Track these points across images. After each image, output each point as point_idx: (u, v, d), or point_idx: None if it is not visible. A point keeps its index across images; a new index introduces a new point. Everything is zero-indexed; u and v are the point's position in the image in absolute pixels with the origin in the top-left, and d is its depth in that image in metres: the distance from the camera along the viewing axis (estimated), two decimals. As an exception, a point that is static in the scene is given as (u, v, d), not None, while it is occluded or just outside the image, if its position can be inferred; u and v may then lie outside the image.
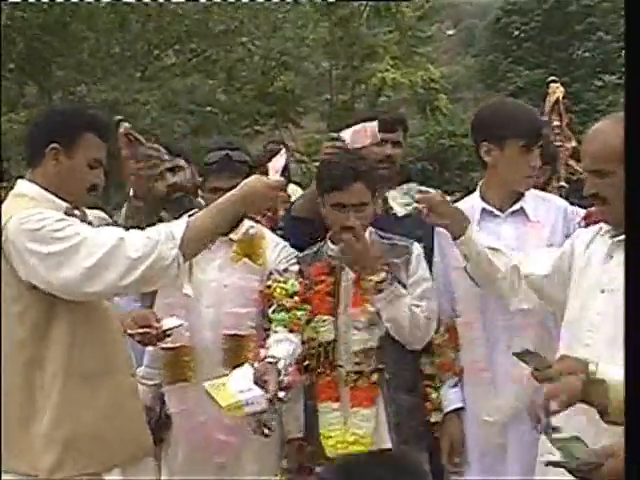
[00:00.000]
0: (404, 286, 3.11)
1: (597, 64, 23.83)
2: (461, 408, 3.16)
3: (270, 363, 2.80)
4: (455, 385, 3.16)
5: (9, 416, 2.59)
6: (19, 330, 2.58)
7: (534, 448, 2.81)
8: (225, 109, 15.90)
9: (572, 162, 4.91)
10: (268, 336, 3.07)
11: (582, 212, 3.16)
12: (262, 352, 2.90)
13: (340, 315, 3.14)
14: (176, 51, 16.36)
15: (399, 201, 2.99)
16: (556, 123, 4.93)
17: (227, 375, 2.87)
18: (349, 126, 3.29)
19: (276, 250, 3.26)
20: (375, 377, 3.08)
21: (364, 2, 19.32)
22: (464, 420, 3.17)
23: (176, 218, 2.76)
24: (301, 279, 3.17)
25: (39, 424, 2.57)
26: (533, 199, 3.17)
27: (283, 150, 3.09)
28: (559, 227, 3.12)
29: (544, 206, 3.17)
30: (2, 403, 2.59)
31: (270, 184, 2.75)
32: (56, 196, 2.68)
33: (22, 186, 2.72)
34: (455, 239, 2.96)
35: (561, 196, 3.78)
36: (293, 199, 3.95)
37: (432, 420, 3.16)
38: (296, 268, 3.21)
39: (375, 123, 3.25)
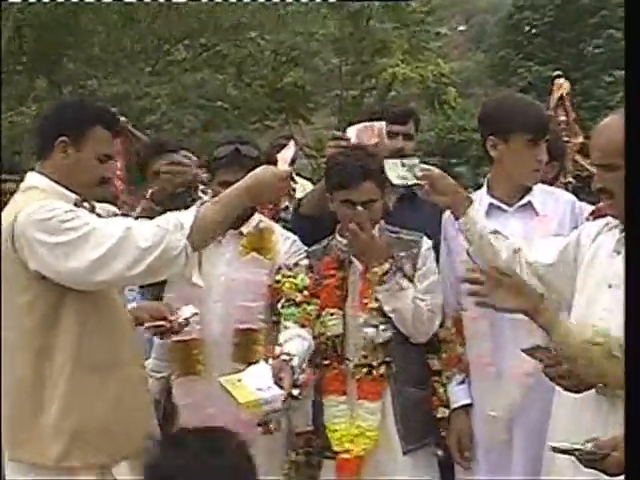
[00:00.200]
0: (410, 279, 3.11)
1: (608, 60, 23.71)
2: (469, 404, 3.16)
3: (285, 361, 2.80)
4: (463, 382, 3.15)
5: (17, 405, 2.61)
6: (28, 320, 2.60)
7: (540, 443, 2.81)
8: (235, 104, 15.92)
9: (579, 158, 4.89)
10: (278, 330, 3.08)
11: (589, 208, 3.15)
12: (277, 349, 2.89)
13: (348, 309, 3.15)
14: (186, 46, 16.39)
15: (398, 172, 2.99)
16: (562, 118, 4.91)
17: (237, 369, 2.88)
18: (357, 122, 3.28)
19: (286, 244, 3.27)
20: (382, 370, 3.08)
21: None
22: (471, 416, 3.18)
23: None
24: (310, 274, 3.18)
25: (47, 414, 2.59)
26: (541, 193, 3.16)
27: (292, 142, 3.09)
28: (567, 221, 3.11)
29: (552, 200, 3.16)
30: (11, 393, 2.61)
31: (279, 174, 2.74)
32: (66, 189, 2.69)
33: (32, 179, 2.73)
34: (457, 219, 2.96)
35: (568, 192, 3.77)
36: (302, 195, 3.94)
37: (438, 416, 3.16)
38: (305, 262, 3.22)
39: (383, 123, 3.23)
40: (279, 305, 3.14)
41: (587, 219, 3.08)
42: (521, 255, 2.86)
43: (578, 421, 2.54)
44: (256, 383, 2.74)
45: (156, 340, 3.32)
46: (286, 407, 2.77)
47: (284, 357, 2.82)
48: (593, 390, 2.48)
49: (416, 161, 3.03)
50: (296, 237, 3.31)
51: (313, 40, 17.05)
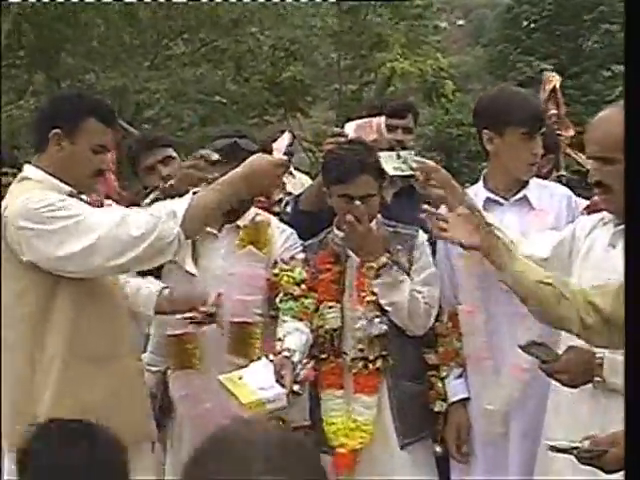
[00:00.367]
0: (407, 272, 3.11)
1: (606, 55, 23.68)
2: (467, 398, 3.16)
3: (286, 357, 2.80)
4: (460, 375, 3.16)
5: (13, 395, 2.62)
6: (21, 309, 2.61)
7: (536, 437, 2.81)
8: (234, 99, 15.89)
9: (570, 151, 4.88)
10: (276, 324, 3.08)
11: (583, 202, 3.15)
12: (278, 345, 2.89)
13: (346, 302, 3.15)
14: (185, 40, 16.34)
15: (393, 164, 3.00)
16: (554, 112, 4.90)
17: (233, 362, 2.87)
18: (357, 118, 3.27)
19: (282, 237, 3.26)
20: (379, 364, 3.07)
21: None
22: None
23: None
24: (307, 267, 3.18)
25: (41, 402, 2.59)
26: (537, 187, 3.16)
27: (287, 132, 3.09)
28: (563, 215, 3.11)
29: (548, 194, 3.16)
30: (8, 383, 2.62)
31: (274, 162, 2.75)
32: (60, 181, 2.69)
33: (27, 171, 2.74)
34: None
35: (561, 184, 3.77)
36: (302, 190, 3.93)
37: (436, 409, 3.16)
38: (302, 256, 3.22)
39: (382, 118, 3.23)
40: (277, 299, 3.14)
41: (582, 213, 3.07)
42: (516, 248, 2.86)
43: (575, 415, 2.54)
44: (258, 381, 2.72)
45: (152, 333, 3.32)
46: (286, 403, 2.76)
47: (285, 353, 2.82)
48: (590, 385, 2.48)
49: (411, 153, 3.04)
50: (292, 230, 3.31)
51: (312, 35, 17.02)
